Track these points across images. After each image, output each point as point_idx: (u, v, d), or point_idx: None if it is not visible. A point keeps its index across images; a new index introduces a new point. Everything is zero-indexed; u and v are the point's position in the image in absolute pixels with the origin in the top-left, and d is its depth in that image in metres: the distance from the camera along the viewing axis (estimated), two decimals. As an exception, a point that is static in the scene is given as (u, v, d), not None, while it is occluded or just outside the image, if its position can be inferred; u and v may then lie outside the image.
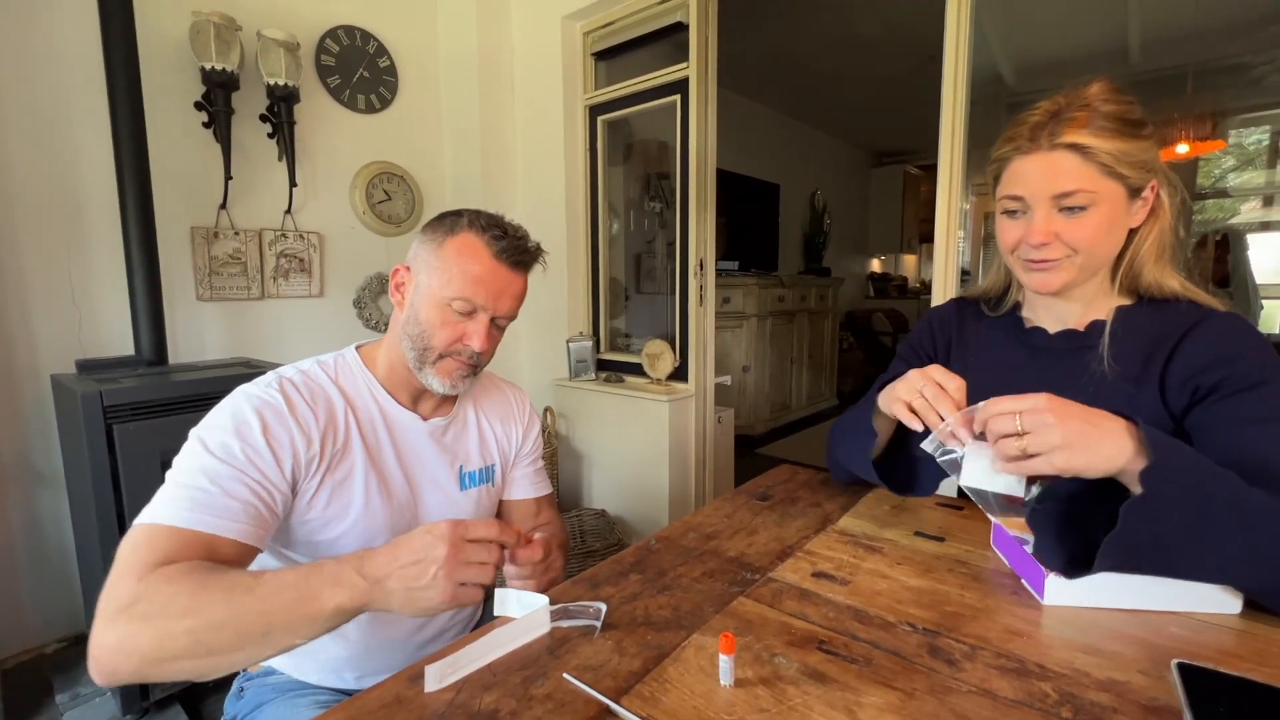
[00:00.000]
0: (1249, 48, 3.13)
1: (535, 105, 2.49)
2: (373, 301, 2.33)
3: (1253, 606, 0.55)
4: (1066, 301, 0.74)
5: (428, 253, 0.76)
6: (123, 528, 1.35)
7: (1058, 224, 0.67)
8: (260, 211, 2.05)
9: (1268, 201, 3.80)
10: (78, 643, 1.71)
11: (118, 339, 1.75)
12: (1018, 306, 0.81)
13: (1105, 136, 0.65)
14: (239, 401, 0.68)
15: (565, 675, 0.48)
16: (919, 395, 0.63)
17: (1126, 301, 0.73)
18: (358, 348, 0.83)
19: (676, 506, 2.22)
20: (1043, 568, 0.57)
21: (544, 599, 0.57)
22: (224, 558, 0.59)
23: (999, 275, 0.82)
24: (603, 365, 2.53)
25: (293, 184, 2.06)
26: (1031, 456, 0.52)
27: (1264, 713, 0.42)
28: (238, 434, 0.64)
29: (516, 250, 0.76)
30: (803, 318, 4.38)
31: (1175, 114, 2.79)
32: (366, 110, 2.28)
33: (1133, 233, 0.70)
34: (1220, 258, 3.69)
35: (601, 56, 2.48)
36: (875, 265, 6.65)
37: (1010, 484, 0.56)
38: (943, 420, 0.61)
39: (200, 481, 0.61)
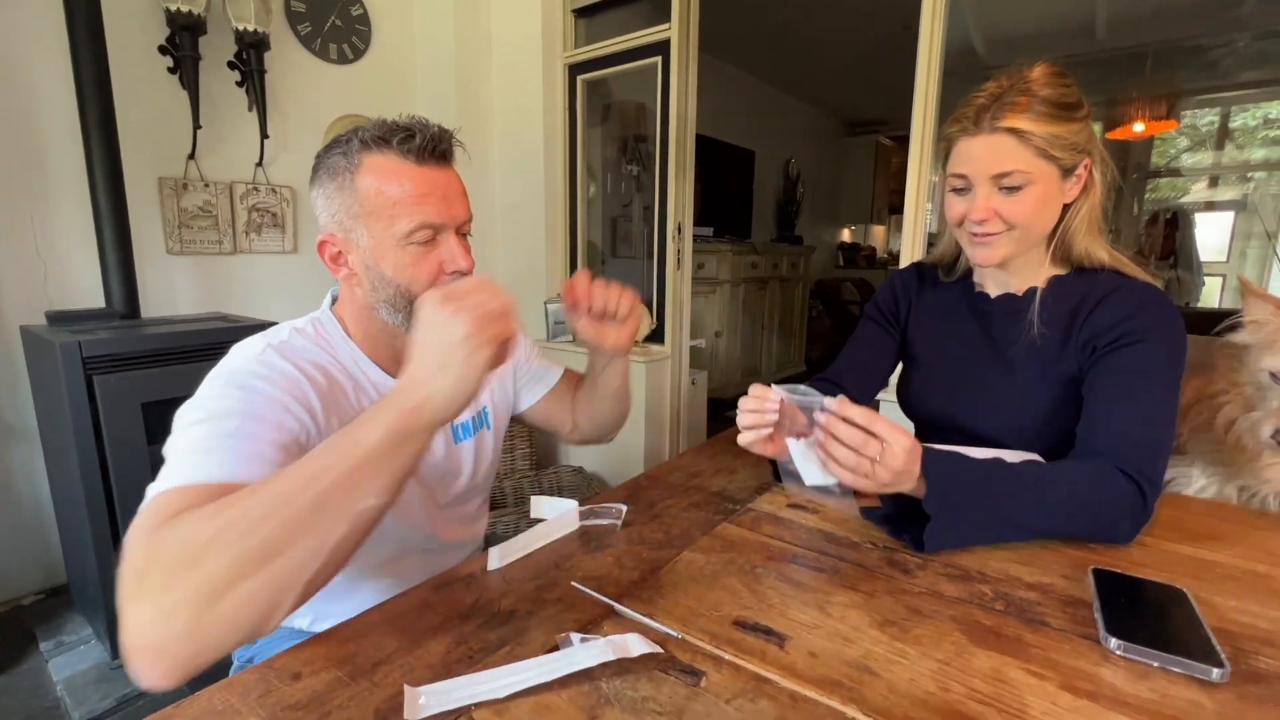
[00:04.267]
0: (1207, 30, 3.24)
1: (513, 61, 2.45)
2: (348, 259, 2.31)
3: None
4: (1007, 272, 0.81)
5: (346, 204, 0.66)
6: (107, 480, 1.36)
7: (996, 202, 0.72)
8: (231, 163, 2.00)
9: (1213, 182, 3.98)
10: (55, 594, 1.72)
11: (86, 292, 1.71)
12: (969, 273, 0.88)
13: (1041, 121, 0.69)
14: (237, 363, 0.61)
15: (573, 583, 0.54)
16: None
17: (1061, 271, 0.79)
18: (333, 307, 0.75)
19: (651, 464, 2.31)
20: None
21: (573, 503, 0.64)
22: None
23: (950, 245, 0.89)
24: (580, 327, 2.58)
25: (264, 135, 2.01)
26: (858, 478, 0.57)
27: (1153, 600, 0.50)
28: (244, 387, 0.57)
29: (432, 142, 0.66)
30: (774, 285, 4.46)
31: (1134, 92, 2.90)
32: (339, 60, 2.22)
33: (1067, 207, 0.76)
34: (1169, 235, 3.88)
35: (582, 14, 2.44)
36: (846, 235, 6.75)
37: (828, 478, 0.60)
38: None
39: (218, 432, 0.52)
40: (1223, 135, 3.97)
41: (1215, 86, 3.73)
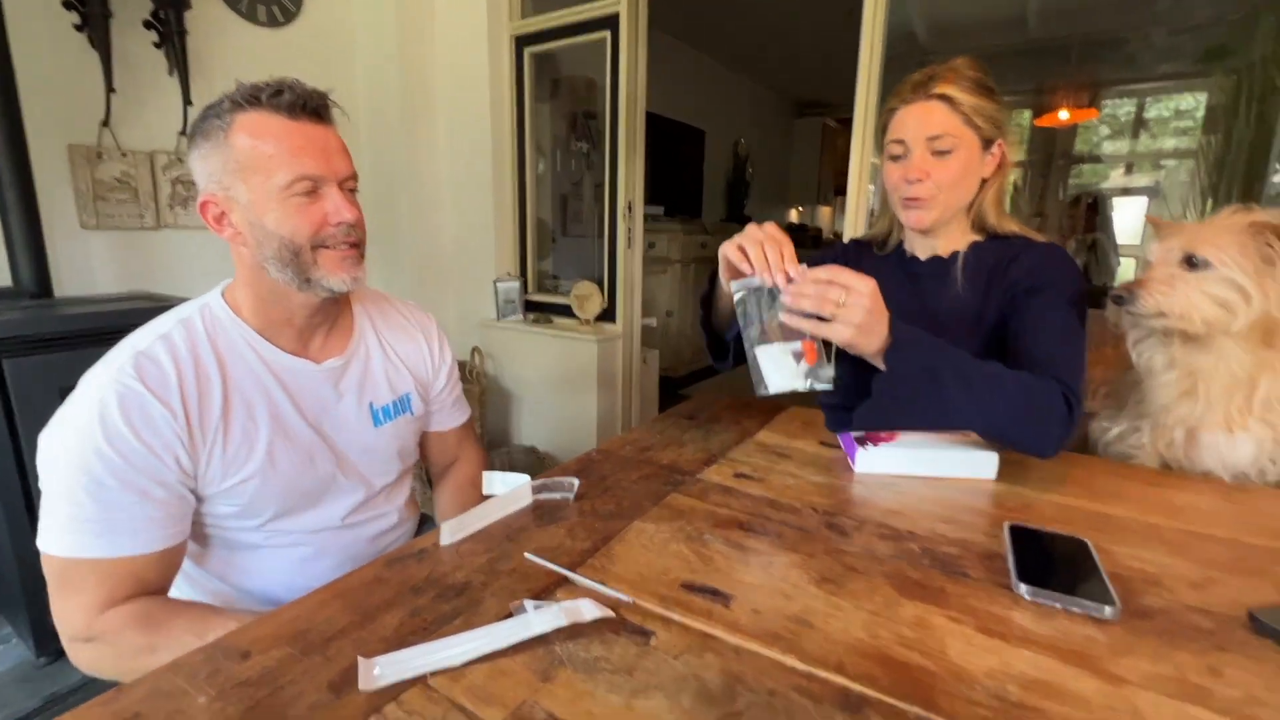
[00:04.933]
0: (1126, 24, 3.43)
1: (457, 31, 2.37)
2: (284, 235, 2.21)
3: (1000, 477, 0.72)
4: (934, 237, 0.92)
5: (221, 162, 0.66)
6: (21, 466, 1.28)
7: (930, 164, 0.83)
8: (151, 131, 1.87)
9: (1129, 169, 4.24)
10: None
11: (-12, 269, 1.58)
12: (901, 244, 0.98)
13: (966, 92, 0.82)
14: (95, 399, 0.61)
15: (526, 554, 0.55)
16: (757, 245, 0.71)
17: (978, 238, 0.91)
18: (223, 293, 0.75)
19: (605, 441, 2.33)
20: (853, 446, 0.75)
21: (525, 477, 0.66)
22: (154, 570, 0.64)
23: (885, 222, 1.00)
24: (530, 306, 2.55)
25: (187, 102, 1.89)
26: (825, 324, 0.66)
27: (1059, 551, 0.55)
28: (109, 441, 0.59)
29: (304, 99, 0.67)
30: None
31: (1059, 82, 3.04)
32: (268, 23, 2.10)
33: (983, 184, 0.88)
34: (1089, 218, 4.13)
35: (528, -17, 2.38)
36: (794, 215, 6.87)
37: (796, 380, 0.70)
38: (769, 273, 0.70)
39: (91, 504, 0.59)
40: (1138, 125, 4.23)
41: (1133, 78, 3.96)
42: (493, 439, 2.54)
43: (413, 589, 0.50)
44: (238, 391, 0.70)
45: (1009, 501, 0.68)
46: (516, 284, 2.47)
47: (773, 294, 0.71)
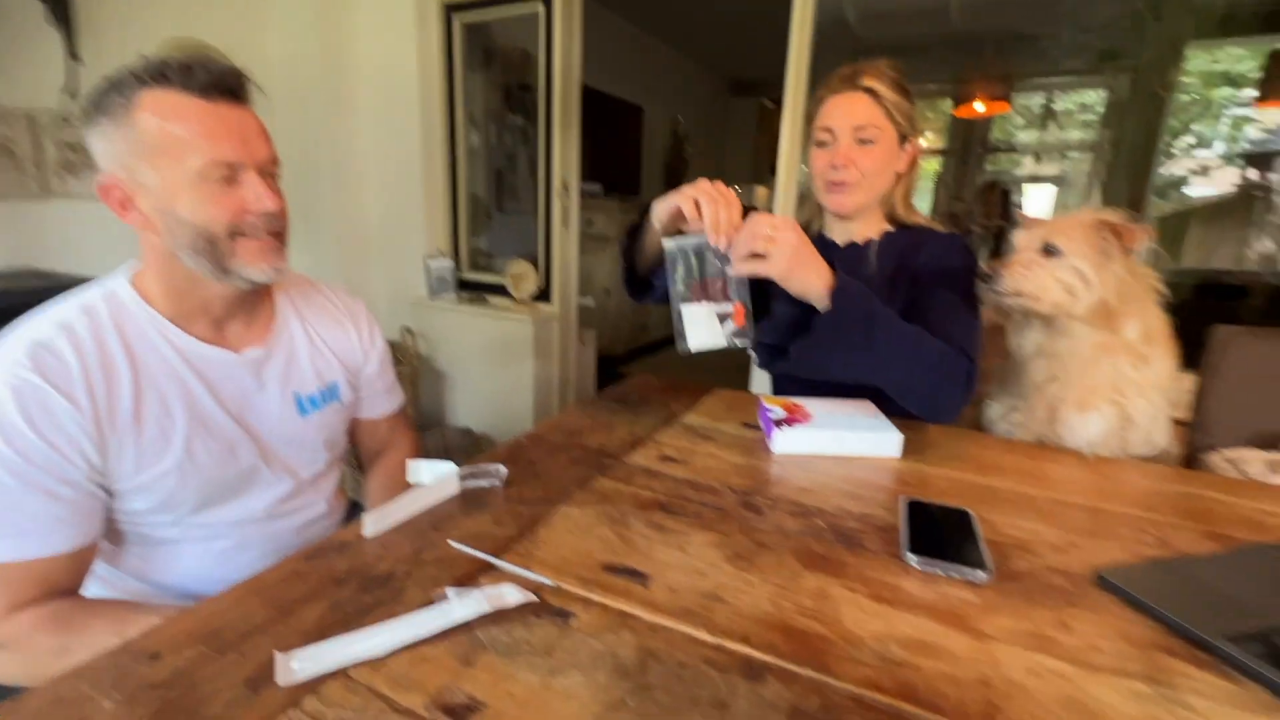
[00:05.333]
0: (1037, 20, 3.63)
1: (382, -6, 2.25)
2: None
3: (907, 454, 0.78)
4: (852, 224, 0.99)
5: (125, 144, 0.62)
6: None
7: (855, 152, 0.91)
8: (28, 88, 1.70)
9: (1038, 158, 4.53)
10: None
11: None
12: (821, 231, 1.05)
13: (889, 88, 0.89)
14: None
15: (450, 542, 0.56)
16: (713, 204, 0.76)
17: (889, 228, 0.99)
18: (131, 279, 0.70)
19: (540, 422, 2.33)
20: (771, 427, 0.79)
21: (452, 465, 0.66)
22: (63, 571, 0.61)
23: (807, 210, 1.07)
24: (464, 285, 2.50)
25: (73, 57, 1.72)
26: (761, 260, 0.73)
27: (946, 522, 0.61)
28: (5, 439, 0.56)
29: (217, 78, 0.63)
30: (662, 243, 4.55)
31: (977, 74, 3.20)
32: (167, -26, 1.93)
33: (897, 179, 0.96)
34: (1003, 204, 4.39)
35: (457, -53, 2.28)
36: (731, 195, 6.96)
37: (718, 339, 0.79)
38: (719, 234, 0.75)
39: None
40: (1047, 117, 4.52)
41: (1043, 71, 4.21)
42: (426, 420, 2.49)
43: (334, 581, 0.50)
44: (150, 382, 0.67)
45: (909, 477, 0.74)
46: (449, 262, 2.41)
47: (703, 253, 0.77)
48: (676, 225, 0.82)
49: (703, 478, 0.72)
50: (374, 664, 0.41)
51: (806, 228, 1.06)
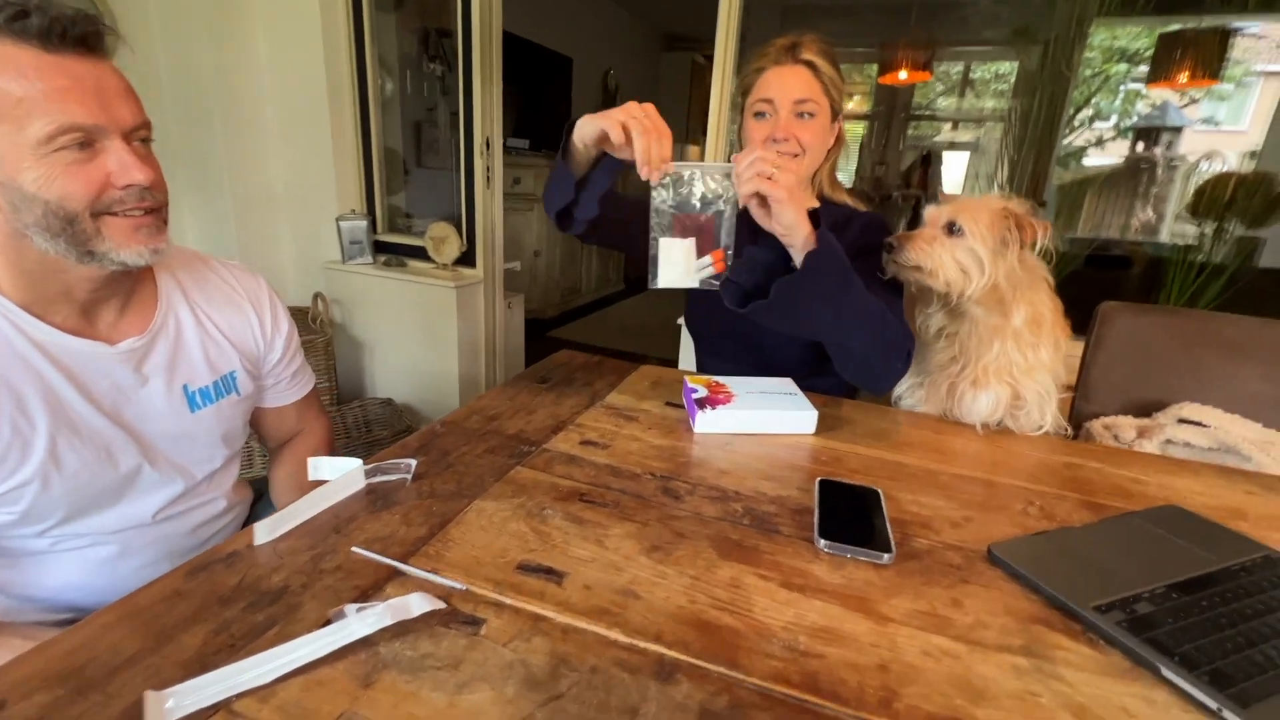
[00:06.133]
0: (961, -12, 3.70)
1: (272, -82, 2.01)
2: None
3: (820, 432, 0.81)
4: None
5: None
6: None
7: (796, 126, 0.91)
8: None
9: (955, 125, 4.70)
10: None
11: None
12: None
13: (826, 63, 0.89)
14: None
15: (354, 548, 0.53)
16: (646, 136, 0.71)
17: (816, 204, 0.97)
18: None
19: (467, 392, 2.26)
20: (694, 408, 0.80)
21: (357, 461, 0.62)
22: None
23: None
24: (381, 247, 2.35)
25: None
26: (769, 182, 0.70)
27: (856, 502, 0.63)
28: None
29: (62, 23, 0.54)
30: (593, 203, 4.45)
31: (901, 41, 3.24)
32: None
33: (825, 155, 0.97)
34: (923, 170, 4.56)
35: None
36: (663, 153, 6.86)
37: (690, 279, 0.78)
38: (649, 167, 0.72)
39: None
40: (965, 85, 4.67)
41: (963, 40, 4.34)
42: (344, 392, 2.37)
43: (220, 600, 0.46)
44: (1, 382, 0.59)
45: (824, 455, 0.76)
46: (364, 223, 2.26)
47: (693, 184, 0.75)
48: (602, 149, 0.77)
49: (624, 463, 0.71)
50: (262, 694, 0.38)
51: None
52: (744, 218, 0.77)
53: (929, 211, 0.81)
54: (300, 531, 0.55)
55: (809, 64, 0.89)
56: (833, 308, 0.77)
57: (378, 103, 2.28)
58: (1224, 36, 2.30)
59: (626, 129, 0.71)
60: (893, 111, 4.56)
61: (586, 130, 0.76)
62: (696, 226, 0.77)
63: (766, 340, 0.98)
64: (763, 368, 0.94)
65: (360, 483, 0.62)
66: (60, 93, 0.54)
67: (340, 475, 0.61)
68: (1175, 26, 2.62)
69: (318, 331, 2.14)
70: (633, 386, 0.95)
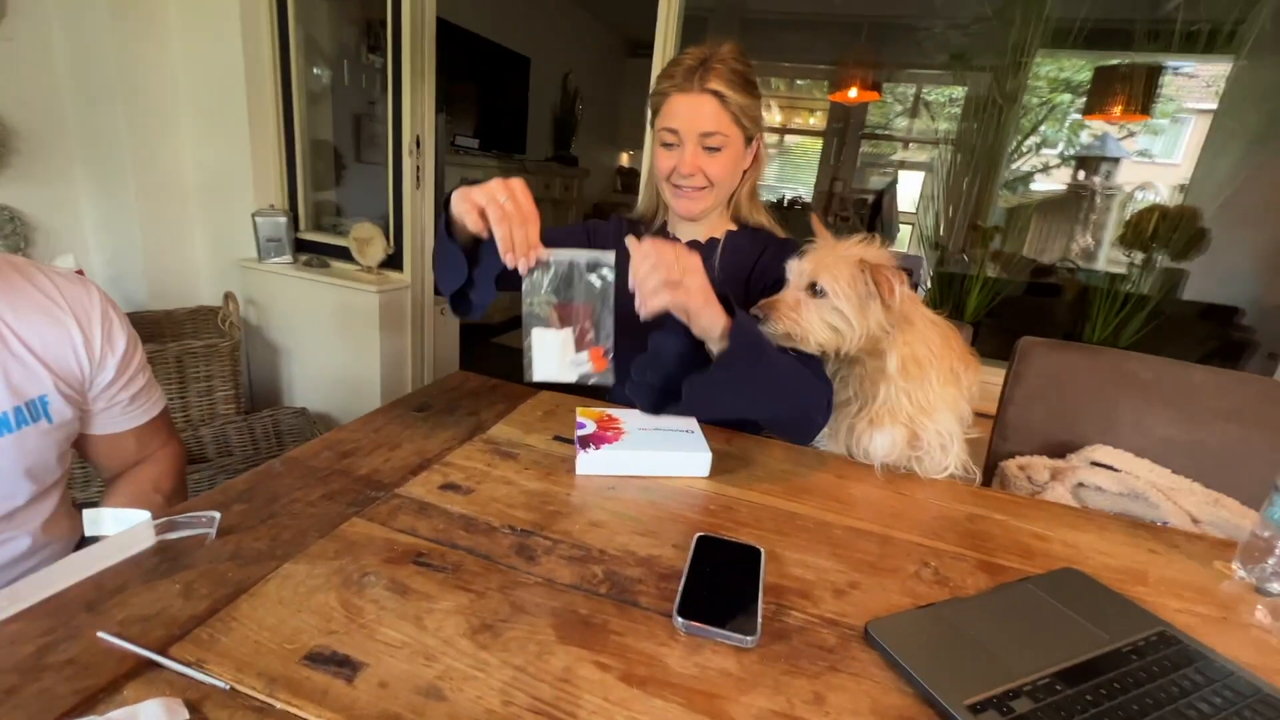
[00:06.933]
0: (914, 12, 3.76)
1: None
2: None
3: (716, 474, 0.74)
4: (698, 223, 0.95)
5: None
6: None
7: (702, 159, 0.86)
8: None
9: (906, 145, 4.78)
10: None
11: None
12: (664, 225, 1.00)
13: (736, 90, 0.83)
14: None
15: (100, 634, 0.43)
16: (504, 224, 0.66)
17: (734, 227, 0.96)
18: None
19: (390, 401, 2.14)
20: (579, 449, 0.72)
21: (146, 514, 0.52)
22: None
23: (650, 202, 1.01)
24: (303, 246, 2.21)
25: None
26: (677, 290, 0.67)
27: (730, 567, 0.56)
28: None
29: None
30: (546, 207, 4.35)
31: (851, 60, 3.26)
32: None
33: (741, 177, 0.92)
34: (878, 201, 4.61)
35: None
36: (624, 160, 6.80)
37: (568, 373, 0.73)
38: (512, 253, 0.67)
39: None
40: (917, 106, 4.77)
41: (916, 64, 4.42)
42: (256, 400, 2.22)
43: (-118, 714, 0.36)
44: None
45: (714, 503, 0.69)
46: (283, 219, 2.11)
47: (573, 274, 0.69)
48: (479, 228, 0.70)
49: (483, 513, 0.63)
50: None
51: (651, 221, 1.02)
52: None
53: (791, 268, 0.76)
54: (44, 608, 0.45)
55: (716, 94, 0.83)
56: (751, 391, 0.73)
57: (302, 92, 2.14)
58: (1155, 73, 2.36)
59: (485, 214, 0.65)
60: (848, 129, 4.61)
61: (458, 209, 0.70)
62: (574, 315, 0.71)
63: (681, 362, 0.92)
64: (666, 381, 0.85)
65: (148, 540, 0.52)
66: None
67: (124, 531, 0.51)
68: (1113, 61, 2.69)
69: (225, 334, 1.99)
70: (522, 417, 0.87)
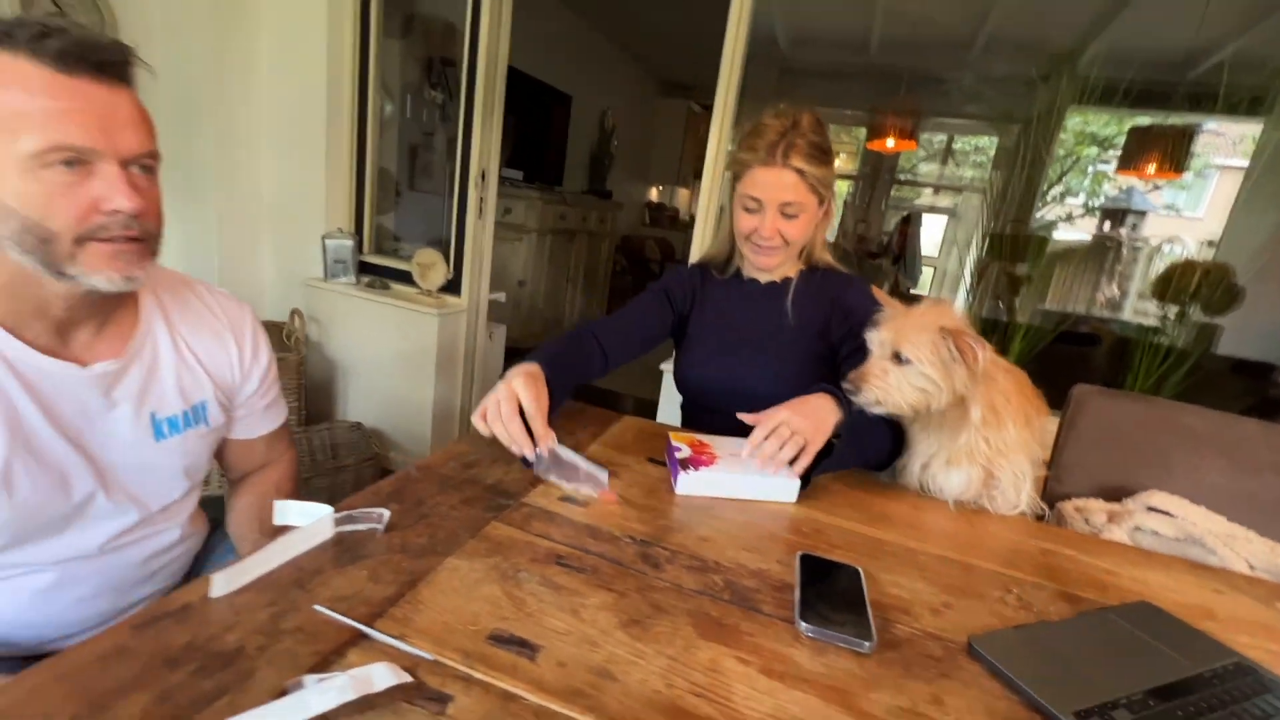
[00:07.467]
0: (947, 65, 3.90)
1: (289, -60, 2.03)
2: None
3: (800, 500, 0.81)
4: (773, 270, 1.05)
5: None
6: None
7: (781, 224, 0.96)
8: None
9: (937, 191, 4.90)
10: None
11: None
12: (738, 270, 1.10)
13: (813, 164, 0.92)
14: None
15: (316, 607, 0.50)
16: (495, 407, 0.76)
17: (803, 267, 1.07)
18: None
19: (440, 421, 2.22)
20: (677, 467, 0.80)
21: (328, 508, 0.59)
22: None
23: (722, 248, 1.10)
24: (366, 268, 2.32)
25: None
26: (802, 459, 0.77)
27: (836, 582, 0.62)
28: None
29: (81, 49, 0.54)
30: (582, 238, 4.48)
31: (889, 110, 3.38)
32: (17, -126, 1.63)
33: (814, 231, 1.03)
34: (903, 230, 4.71)
35: (379, -98, 2.10)
36: (653, 194, 6.98)
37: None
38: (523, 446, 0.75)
39: None
40: (947, 154, 4.89)
41: (947, 112, 4.55)
42: (313, 414, 2.30)
43: (166, 662, 0.43)
44: None
45: (804, 526, 0.75)
46: (350, 242, 2.23)
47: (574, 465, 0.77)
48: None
49: (603, 523, 0.69)
50: (205, 778, 0.35)
51: (725, 265, 1.11)
52: None
53: (873, 339, 0.83)
54: (260, 584, 0.52)
55: (797, 170, 0.92)
56: (860, 459, 0.90)
57: (376, 124, 2.28)
58: (1189, 134, 2.44)
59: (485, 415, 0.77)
60: (878, 173, 4.72)
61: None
62: (578, 476, 0.77)
63: (760, 390, 0.99)
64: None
65: (328, 532, 0.59)
66: (62, 113, 0.53)
67: (309, 523, 0.59)
68: (1146, 120, 2.78)
69: (291, 349, 2.09)
70: (615, 438, 0.93)
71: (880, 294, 0.87)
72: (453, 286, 2.22)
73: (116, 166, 0.57)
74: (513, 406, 0.75)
